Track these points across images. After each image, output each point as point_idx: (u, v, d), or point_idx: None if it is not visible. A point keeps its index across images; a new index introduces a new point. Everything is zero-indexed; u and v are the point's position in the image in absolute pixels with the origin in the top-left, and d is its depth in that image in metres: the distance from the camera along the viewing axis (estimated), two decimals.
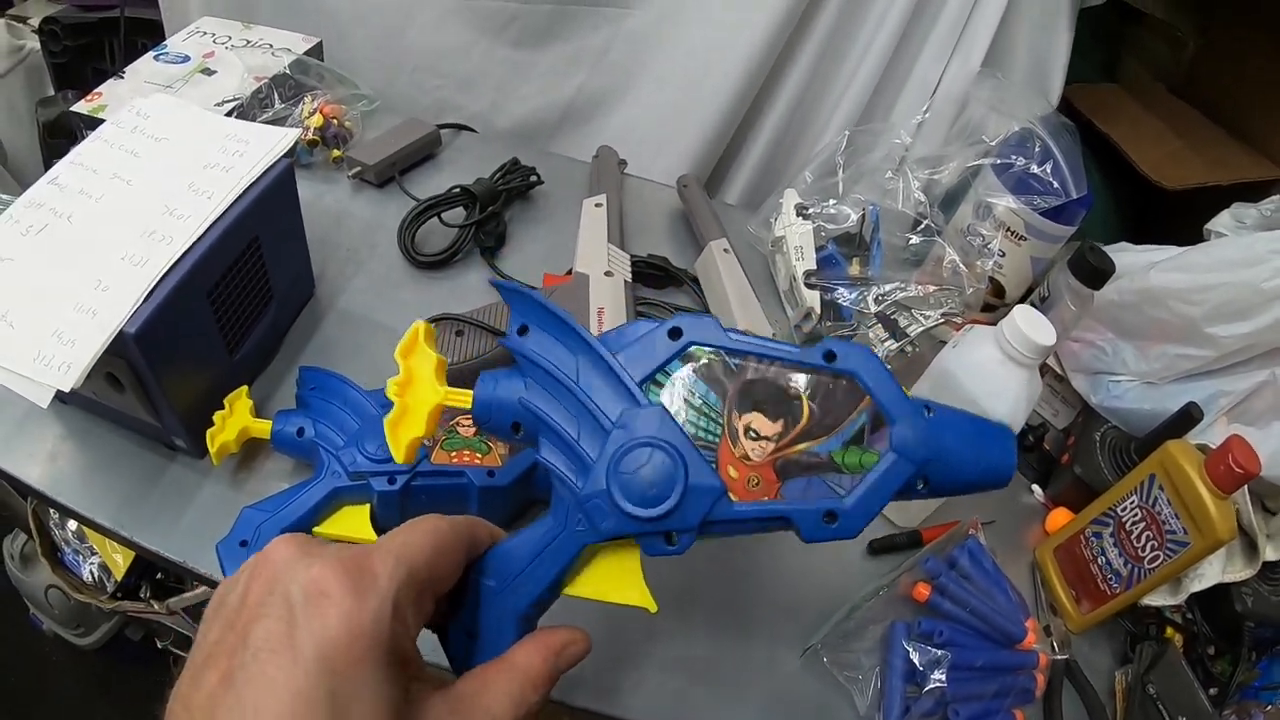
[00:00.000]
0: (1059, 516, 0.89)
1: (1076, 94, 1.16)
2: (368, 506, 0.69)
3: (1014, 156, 0.92)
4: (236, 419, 0.72)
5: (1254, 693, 0.84)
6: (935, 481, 0.46)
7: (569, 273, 0.91)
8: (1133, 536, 0.76)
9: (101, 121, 0.91)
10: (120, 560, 1.18)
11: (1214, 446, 0.70)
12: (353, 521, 0.68)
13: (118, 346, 0.62)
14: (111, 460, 0.75)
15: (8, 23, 1.30)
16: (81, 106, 0.99)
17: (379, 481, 0.68)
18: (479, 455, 0.72)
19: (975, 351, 0.73)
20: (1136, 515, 0.76)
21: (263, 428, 0.73)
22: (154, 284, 0.63)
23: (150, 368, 0.64)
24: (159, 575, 1.23)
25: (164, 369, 0.66)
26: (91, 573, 1.22)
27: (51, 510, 1.20)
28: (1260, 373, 0.85)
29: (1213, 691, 0.81)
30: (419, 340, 0.49)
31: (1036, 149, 0.91)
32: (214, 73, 1.06)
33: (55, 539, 1.24)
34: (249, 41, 1.10)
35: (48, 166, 0.73)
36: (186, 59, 1.07)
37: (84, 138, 0.96)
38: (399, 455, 0.47)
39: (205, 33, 1.12)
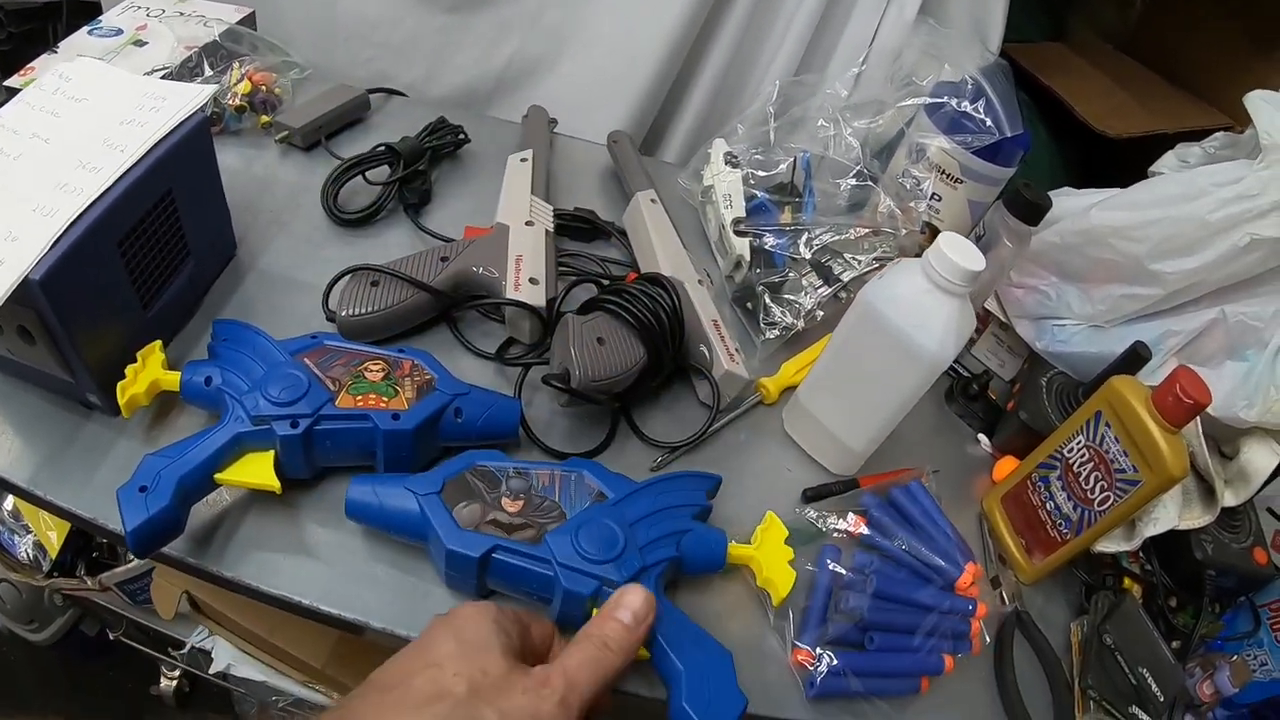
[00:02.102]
0: (1006, 465, 0.86)
1: (1019, 51, 1.14)
2: (271, 453, 0.67)
3: (946, 96, 0.90)
4: (148, 372, 0.71)
5: (1219, 644, 0.81)
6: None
7: (492, 226, 0.89)
8: (1081, 478, 0.74)
9: None
10: (54, 538, 1.17)
11: None
12: (255, 468, 0.66)
13: (24, 294, 0.60)
14: (29, 422, 0.73)
15: None
16: (14, 81, 0.98)
17: (282, 426, 0.66)
18: (385, 399, 0.70)
19: (901, 283, 0.70)
20: (1084, 456, 0.74)
21: (173, 379, 0.71)
22: (61, 232, 0.63)
23: (59, 317, 0.63)
24: (94, 553, 1.22)
25: (73, 320, 0.65)
26: (27, 552, 1.20)
27: None
28: (1209, 311, 0.84)
29: (1175, 644, 0.78)
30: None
31: (969, 87, 0.88)
32: (145, 44, 1.05)
33: None
34: (182, 13, 1.09)
35: None
36: (119, 32, 1.06)
37: None
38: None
39: (140, 7, 1.11)
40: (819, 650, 0.67)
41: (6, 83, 0.97)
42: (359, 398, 0.69)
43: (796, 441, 0.84)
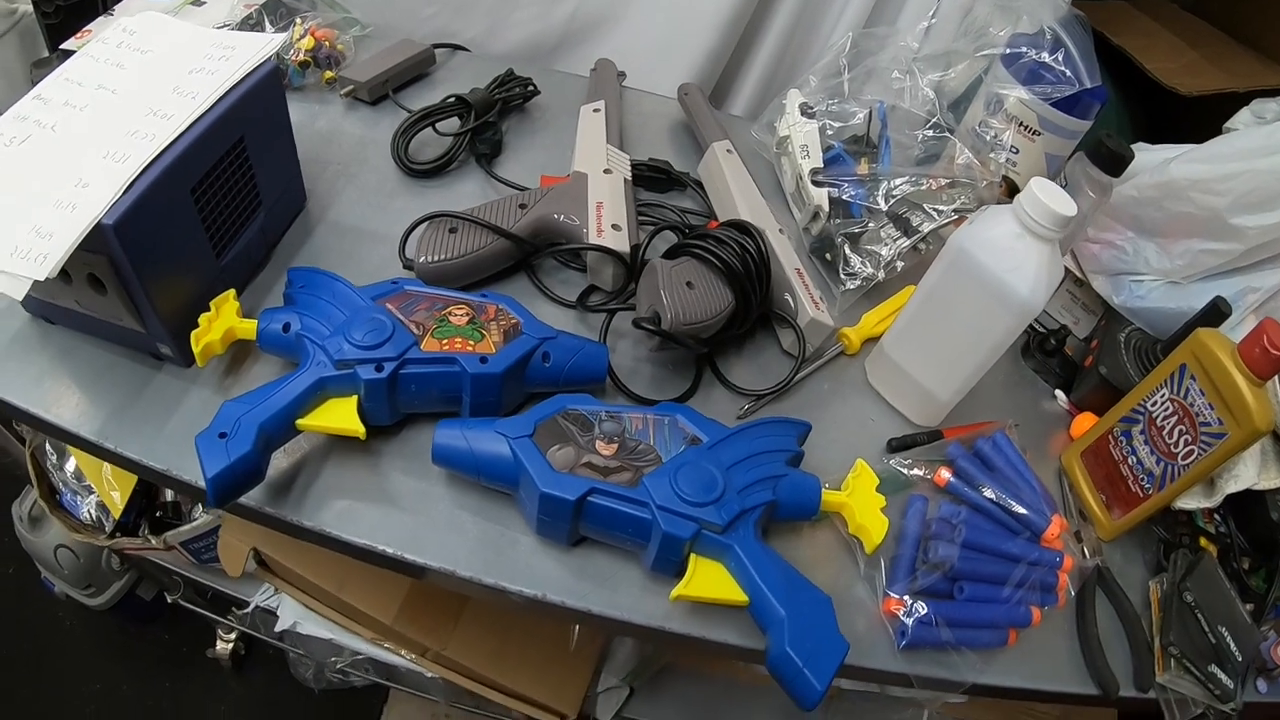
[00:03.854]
0: (1084, 421, 0.85)
1: (1085, 10, 1.12)
2: (354, 398, 0.66)
3: (1024, 48, 0.89)
4: (222, 320, 0.70)
5: None
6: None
7: (569, 175, 0.88)
8: (1164, 432, 0.73)
9: None
10: (117, 498, 1.16)
11: None
12: (339, 413, 0.65)
13: (96, 241, 0.59)
14: (98, 375, 0.72)
15: None
16: (72, 44, 0.98)
17: (366, 370, 0.65)
18: (471, 343, 0.69)
19: (992, 227, 0.70)
20: (1168, 409, 0.73)
21: (249, 328, 0.70)
22: (133, 177, 0.62)
23: (131, 263, 0.62)
24: (158, 513, 1.22)
25: (146, 266, 0.64)
26: (90, 512, 1.20)
27: (49, 451, 1.19)
28: None
29: (1249, 607, 0.77)
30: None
31: (1048, 38, 0.87)
32: (204, 3, 1.05)
33: (53, 481, 1.22)
34: None
35: None
36: None
37: None
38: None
39: None
40: (909, 600, 0.67)
41: (64, 45, 0.97)
42: (445, 341, 0.69)
43: (879, 392, 0.84)
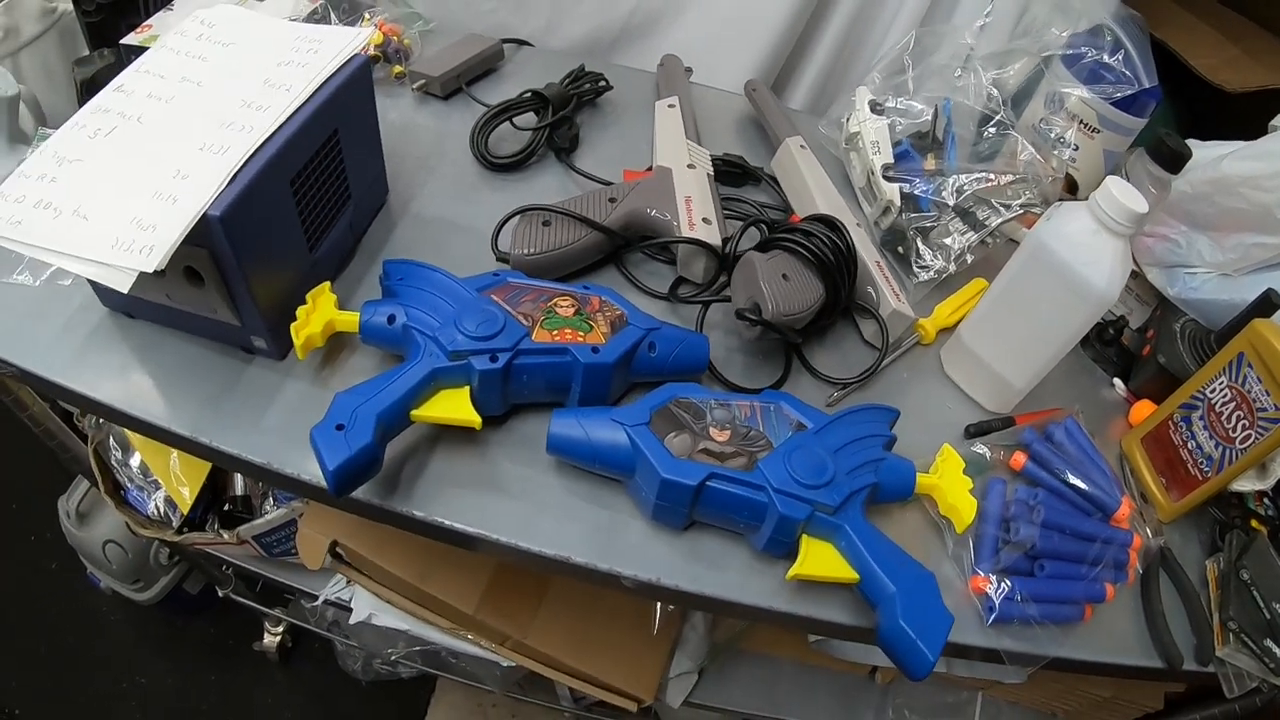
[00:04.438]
0: (1143, 408, 0.88)
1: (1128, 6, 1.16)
2: (466, 389, 0.67)
3: (1084, 48, 0.92)
4: (320, 312, 0.70)
5: None
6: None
7: (648, 169, 0.91)
8: (1223, 418, 0.76)
9: None
10: (186, 494, 1.16)
11: None
12: (452, 403, 0.67)
13: (200, 233, 0.60)
14: (185, 369, 0.73)
15: None
16: (132, 39, 0.97)
17: (480, 360, 0.67)
18: (581, 334, 0.71)
19: (1070, 223, 0.73)
20: (1226, 395, 0.76)
21: (349, 319, 0.71)
22: (237, 169, 0.62)
23: (236, 256, 0.62)
24: (225, 506, 1.22)
25: (247, 258, 0.64)
26: (157, 508, 1.19)
27: (113, 447, 1.18)
28: None
29: None
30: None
31: (1107, 39, 0.91)
32: None
33: (118, 478, 1.20)
34: None
35: None
36: None
37: None
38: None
39: None
40: (994, 578, 0.71)
41: (124, 40, 0.96)
42: (554, 332, 0.70)
43: (954, 380, 0.87)
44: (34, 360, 0.71)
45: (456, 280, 0.74)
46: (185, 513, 1.16)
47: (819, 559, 0.64)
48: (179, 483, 1.16)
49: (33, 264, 0.76)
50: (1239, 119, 0.98)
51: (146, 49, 0.92)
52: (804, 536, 0.65)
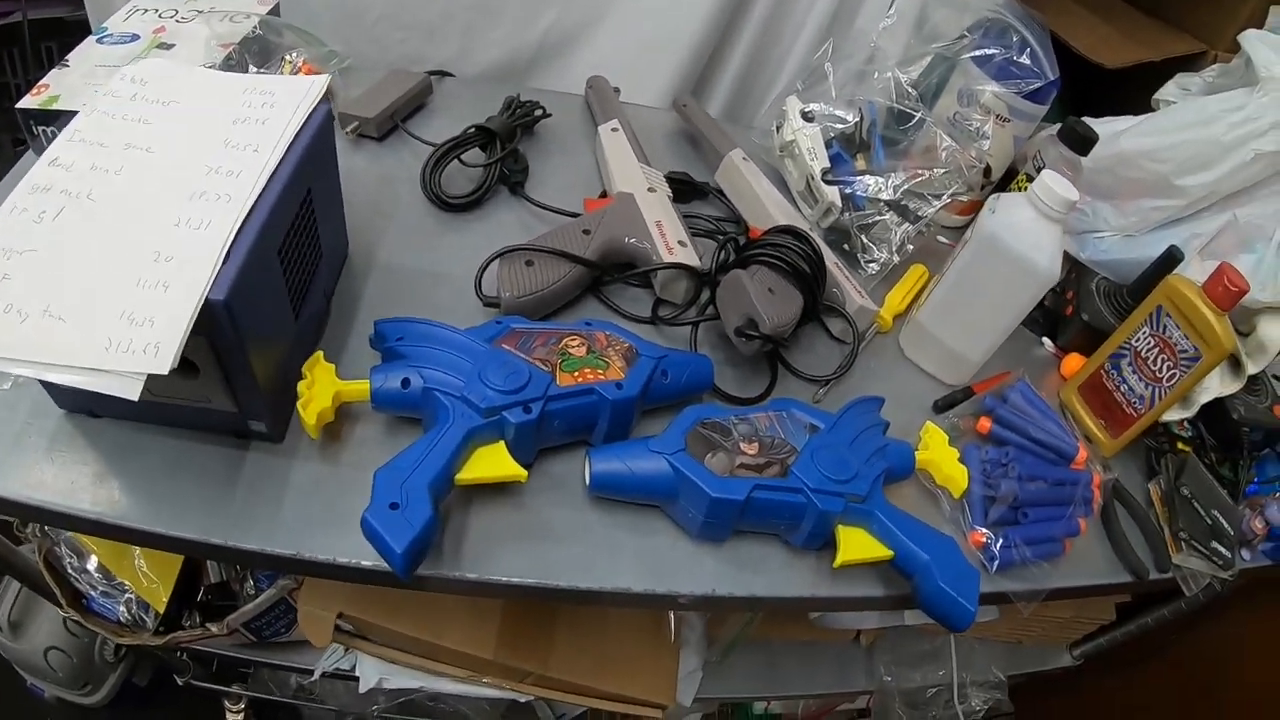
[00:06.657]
0: (1073, 361, 0.99)
1: None
2: (501, 443, 0.66)
3: (994, 49, 1.01)
4: (323, 385, 0.66)
5: (1256, 488, 0.96)
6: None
7: (602, 195, 0.93)
8: (1149, 361, 0.87)
9: (57, 114, 0.84)
10: (160, 590, 1.06)
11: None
12: (493, 460, 0.65)
13: (203, 319, 0.54)
14: (174, 467, 0.66)
15: None
16: (29, 102, 0.88)
17: (515, 413, 0.66)
18: (600, 371, 0.72)
19: (1014, 213, 0.83)
20: (1150, 343, 0.87)
21: (357, 389, 0.68)
22: (228, 245, 0.57)
23: (238, 339, 0.57)
24: (200, 597, 1.15)
25: (247, 341, 0.59)
26: (128, 611, 1.09)
27: (66, 554, 1.05)
28: (1222, 215, 0.98)
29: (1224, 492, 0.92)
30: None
31: (1015, 40, 1.00)
32: (172, 46, 0.98)
33: (77, 586, 1.08)
34: (200, 11, 1.03)
35: None
36: (135, 37, 0.98)
37: (42, 135, 0.86)
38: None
39: (146, 10, 1.04)
40: (989, 531, 0.79)
41: (19, 105, 0.87)
42: (575, 374, 0.71)
43: (914, 361, 0.96)
44: None
45: (462, 333, 0.72)
46: (160, 611, 1.07)
47: (857, 544, 0.70)
48: (149, 581, 1.06)
49: None
50: (1118, 93, 1.10)
51: (48, 111, 0.87)
52: (839, 526, 0.71)
